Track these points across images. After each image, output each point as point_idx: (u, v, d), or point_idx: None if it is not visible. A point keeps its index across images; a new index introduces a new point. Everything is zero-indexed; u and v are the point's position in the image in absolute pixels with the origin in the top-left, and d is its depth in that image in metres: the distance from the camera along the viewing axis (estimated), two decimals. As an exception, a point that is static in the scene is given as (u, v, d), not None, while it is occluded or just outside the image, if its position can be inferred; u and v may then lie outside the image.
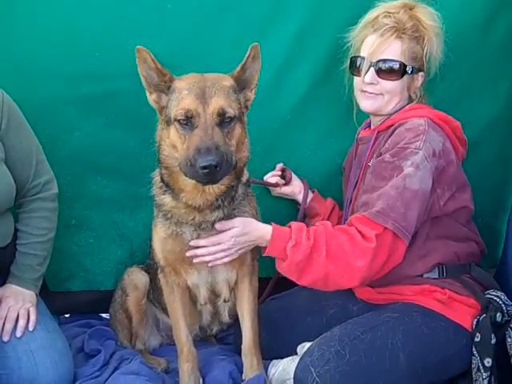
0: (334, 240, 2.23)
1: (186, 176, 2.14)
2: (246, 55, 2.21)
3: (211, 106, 2.12)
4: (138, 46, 2.20)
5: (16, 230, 2.56)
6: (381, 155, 2.36)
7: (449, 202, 2.36)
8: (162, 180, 2.34)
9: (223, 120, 2.13)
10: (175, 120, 2.16)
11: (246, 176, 2.41)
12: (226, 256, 2.32)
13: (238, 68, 2.24)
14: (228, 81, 2.22)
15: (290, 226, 2.31)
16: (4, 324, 2.40)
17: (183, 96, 2.16)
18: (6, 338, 2.38)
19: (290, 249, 2.23)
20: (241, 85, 2.26)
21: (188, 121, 2.13)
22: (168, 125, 2.21)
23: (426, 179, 2.24)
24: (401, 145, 2.30)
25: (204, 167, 2.01)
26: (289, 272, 2.31)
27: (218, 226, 2.29)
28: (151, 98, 2.28)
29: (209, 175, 2.04)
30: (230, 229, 2.29)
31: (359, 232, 2.22)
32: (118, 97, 2.79)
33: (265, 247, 2.32)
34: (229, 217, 2.32)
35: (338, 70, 2.73)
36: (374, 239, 2.18)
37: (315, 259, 2.22)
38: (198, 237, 2.34)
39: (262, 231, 2.31)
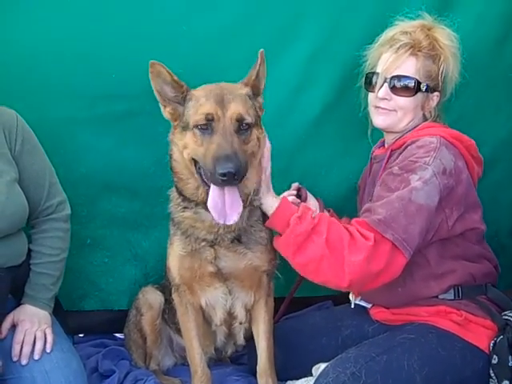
0: (335, 229, 2.20)
1: (206, 180, 2.17)
2: (258, 62, 2.26)
3: (230, 111, 2.17)
4: (151, 61, 2.22)
5: (29, 250, 2.57)
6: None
7: (457, 223, 2.33)
8: (178, 192, 2.36)
9: (240, 126, 2.18)
10: (195, 126, 2.19)
11: None
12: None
13: (253, 76, 2.29)
14: (243, 89, 2.28)
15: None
16: (22, 347, 2.40)
17: (202, 103, 2.20)
18: (24, 362, 2.37)
19: (294, 219, 2.22)
20: (255, 91, 2.31)
21: (208, 125, 2.16)
22: (185, 130, 2.24)
23: (432, 195, 2.21)
24: (410, 159, 2.28)
25: (223, 174, 2.04)
26: (286, 244, 2.25)
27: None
28: (166, 110, 2.31)
29: (227, 182, 2.08)
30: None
31: (358, 231, 2.18)
32: (133, 117, 2.81)
33: (267, 218, 2.33)
34: (245, 233, 2.34)
35: (352, 90, 2.73)
36: (372, 239, 2.14)
37: (314, 240, 2.19)
38: (217, 254, 2.35)
39: (275, 200, 2.32)
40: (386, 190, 2.27)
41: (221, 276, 2.41)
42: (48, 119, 2.78)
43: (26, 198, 2.47)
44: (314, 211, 2.32)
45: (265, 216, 2.39)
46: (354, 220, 2.27)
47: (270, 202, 2.33)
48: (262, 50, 2.25)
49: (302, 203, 2.34)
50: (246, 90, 2.28)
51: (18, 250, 2.50)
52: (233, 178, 2.06)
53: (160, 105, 2.30)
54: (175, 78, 2.25)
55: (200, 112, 2.18)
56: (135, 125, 2.82)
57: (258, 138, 2.27)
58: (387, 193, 2.25)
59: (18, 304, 2.54)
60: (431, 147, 2.28)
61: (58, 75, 2.74)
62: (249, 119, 2.20)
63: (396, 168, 2.30)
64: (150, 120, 2.71)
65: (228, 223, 2.17)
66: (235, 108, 2.18)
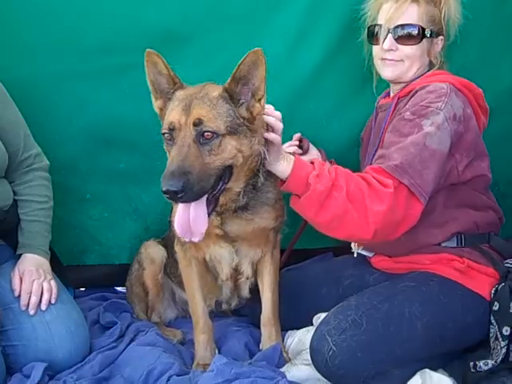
0: (353, 181, 2.13)
1: None
2: (239, 63, 2.02)
3: (190, 117, 2.00)
4: (147, 49, 2.10)
5: (16, 202, 2.56)
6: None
7: (467, 170, 2.32)
8: None
9: (201, 134, 1.99)
10: (163, 134, 2.08)
11: None
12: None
13: (229, 78, 2.06)
14: (217, 91, 2.07)
15: (312, 163, 2.20)
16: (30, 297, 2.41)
17: (172, 108, 2.07)
18: (32, 312, 2.38)
19: (313, 177, 2.09)
20: (236, 96, 2.08)
21: (171, 135, 2.03)
22: (163, 135, 2.12)
23: (444, 141, 2.19)
24: (422, 104, 2.25)
25: (164, 192, 1.90)
26: (308, 204, 2.12)
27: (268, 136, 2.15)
28: (156, 103, 2.20)
29: (171, 199, 1.95)
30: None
31: (376, 179, 2.14)
32: (131, 70, 2.75)
33: (281, 181, 2.20)
34: (251, 199, 2.30)
35: (352, 40, 2.70)
36: (391, 186, 2.10)
37: (335, 196, 2.09)
38: (223, 220, 2.31)
39: (287, 164, 2.14)
40: (398, 136, 2.24)
41: (228, 238, 2.40)
42: (46, 74, 2.77)
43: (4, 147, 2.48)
44: (327, 165, 2.19)
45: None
46: (368, 167, 2.23)
47: (281, 168, 2.15)
48: (255, 49, 1.98)
49: (316, 159, 2.24)
50: (218, 92, 2.06)
51: (2, 191, 2.50)
52: (175, 196, 1.90)
53: (152, 96, 2.19)
54: (172, 73, 2.12)
55: (167, 120, 2.05)
56: (134, 78, 2.73)
57: (240, 150, 2.06)
58: (400, 138, 2.22)
59: (14, 253, 2.56)
60: (442, 92, 2.26)
61: (54, 29, 2.71)
62: (212, 126, 1.99)
63: (408, 113, 2.27)
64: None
65: (194, 240, 2.05)
66: (196, 113, 1.99)
